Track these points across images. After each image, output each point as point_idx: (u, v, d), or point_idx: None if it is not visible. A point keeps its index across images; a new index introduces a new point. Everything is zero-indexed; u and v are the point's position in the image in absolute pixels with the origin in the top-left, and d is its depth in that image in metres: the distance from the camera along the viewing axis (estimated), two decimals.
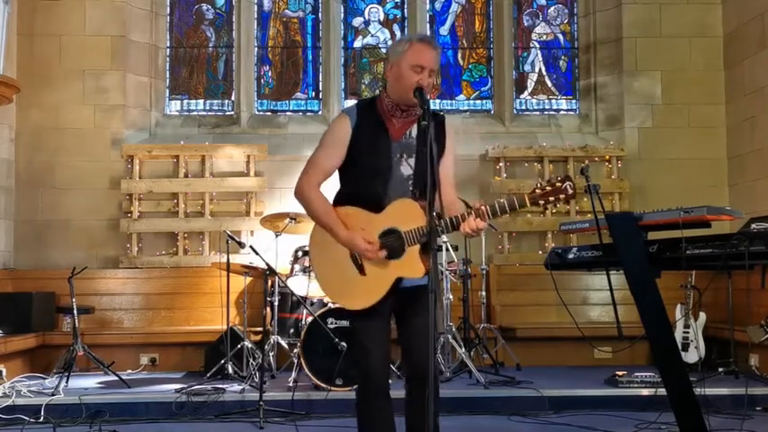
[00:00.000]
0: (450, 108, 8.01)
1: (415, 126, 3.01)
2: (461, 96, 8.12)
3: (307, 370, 5.30)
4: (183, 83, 8.00)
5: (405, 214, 2.87)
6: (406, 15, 8.11)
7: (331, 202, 3.03)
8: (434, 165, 2.66)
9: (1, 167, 7.06)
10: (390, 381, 3.11)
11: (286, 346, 6.03)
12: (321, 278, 3.10)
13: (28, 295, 6.52)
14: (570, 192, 2.69)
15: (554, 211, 7.46)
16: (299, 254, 6.08)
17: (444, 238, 5.99)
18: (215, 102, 8.00)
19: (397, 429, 3.05)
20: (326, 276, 3.07)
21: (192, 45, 8.03)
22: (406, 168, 2.98)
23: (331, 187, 3.09)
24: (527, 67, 8.17)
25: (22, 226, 7.29)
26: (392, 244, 2.89)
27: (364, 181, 2.97)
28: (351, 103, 7.97)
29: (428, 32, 8.05)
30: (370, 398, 3.00)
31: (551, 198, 2.71)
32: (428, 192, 2.65)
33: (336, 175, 3.09)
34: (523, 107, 8.11)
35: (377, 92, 7.93)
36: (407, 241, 2.86)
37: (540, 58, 8.17)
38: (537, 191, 2.71)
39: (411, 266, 2.86)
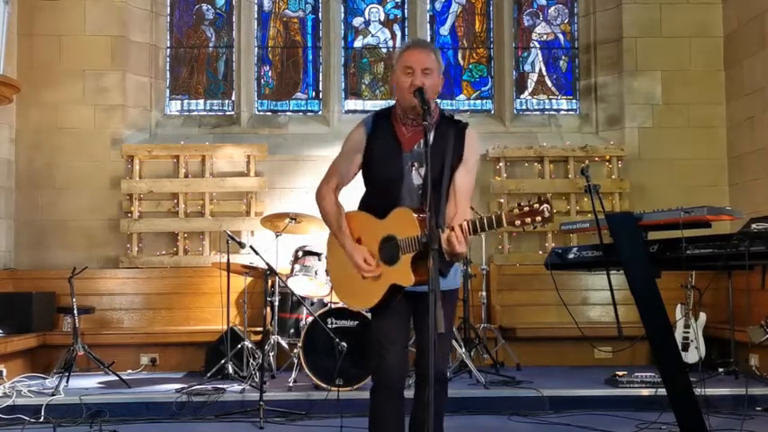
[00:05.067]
0: (450, 108, 7.99)
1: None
2: (462, 96, 8.12)
3: (307, 370, 5.30)
4: (183, 83, 8.00)
5: (403, 223, 2.92)
6: (406, 15, 8.10)
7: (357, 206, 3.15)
8: (440, 167, 2.74)
9: (1, 167, 7.06)
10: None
11: (286, 346, 6.04)
12: (331, 276, 3.32)
13: (28, 295, 6.52)
14: (547, 215, 2.76)
15: (554, 211, 7.45)
16: (300, 254, 6.07)
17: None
18: (215, 102, 8.00)
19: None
20: (335, 275, 3.26)
21: (192, 45, 8.02)
22: (417, 178, 3.02)
23: (349, 192, 3.23)
24: (527, 67, 8.16)
25: (22, 226, 7.29)
26: (389, 251, 2.97)
27: (378, 189, 3.08)
28: (351, 103, 8.07)
29: (428, 32, 8.05)
30: (383, 396, 3.03)
31: (528, 219, 2.76)
32: (427, 192, 2.71)
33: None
34: (524, 107, 8.10)
35: (377, 92, 8.03)
36: (402, 249, 2.92)
37: (541, 58, 8.17)
38: (515, 210, 2.77)
39: (402, 274, 2.91)
